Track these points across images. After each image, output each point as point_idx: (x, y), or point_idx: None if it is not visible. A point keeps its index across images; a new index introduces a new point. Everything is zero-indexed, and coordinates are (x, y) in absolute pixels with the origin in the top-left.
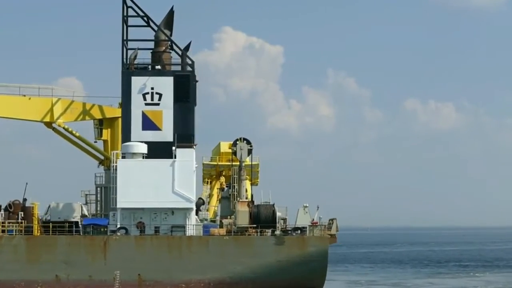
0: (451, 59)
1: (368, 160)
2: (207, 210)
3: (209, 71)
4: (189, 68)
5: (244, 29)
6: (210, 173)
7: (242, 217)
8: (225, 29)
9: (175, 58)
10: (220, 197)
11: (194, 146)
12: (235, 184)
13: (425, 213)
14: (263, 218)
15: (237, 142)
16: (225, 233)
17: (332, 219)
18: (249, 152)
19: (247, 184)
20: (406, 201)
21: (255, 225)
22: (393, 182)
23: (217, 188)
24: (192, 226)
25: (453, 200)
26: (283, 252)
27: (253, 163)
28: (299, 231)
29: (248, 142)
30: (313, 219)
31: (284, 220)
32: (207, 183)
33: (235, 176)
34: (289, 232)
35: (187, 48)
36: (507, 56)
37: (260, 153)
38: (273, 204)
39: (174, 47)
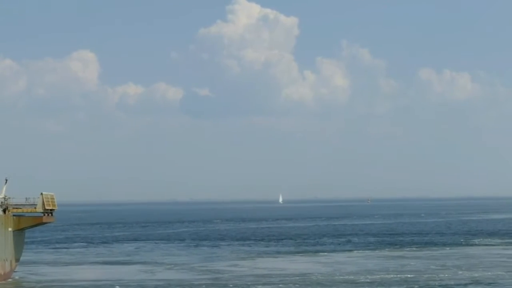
0: (465, 29)
1: (383, 130)
2: None
3: (223, 43)
4: None
5: (258, 0)
6: None
7: None
8: (239, 0)
9: None
10: None
11: None
12: None
13: (440, 184)
14: None
15: None
16: None
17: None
18: None
19: None
20: (421, 171)
21: None
22: (408, 153)
23: None
24: None
25: (469, 170)
26: None
27: None
28: None
29: None
30: None
31: None
32: None
33: None
34: None
35: None
36: None
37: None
38: None
39: None
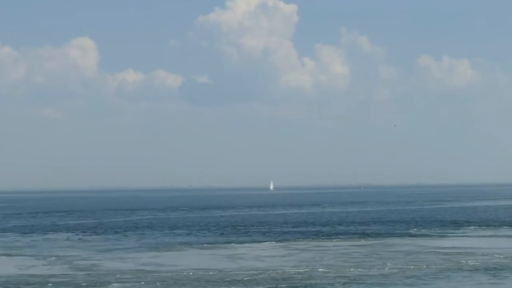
0: (465, 16)
1: (383, 117)
2: None
3: (222, 30)
4: None
5: None
6: None
7: None
8: None
9: None
10: None
11: None
12: None
13: (439, 171)
14: None
15: None
16: None
17: None
18: None
19: None
20: (421, 158)
21: None
22: (407, 139)
23: None
24: None
25: (468, 157)
26: None
27: None
28: None
29: None
30: None
31: None
32: None
33: None
34: None
35: None
36: None
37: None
38: None
39: None
